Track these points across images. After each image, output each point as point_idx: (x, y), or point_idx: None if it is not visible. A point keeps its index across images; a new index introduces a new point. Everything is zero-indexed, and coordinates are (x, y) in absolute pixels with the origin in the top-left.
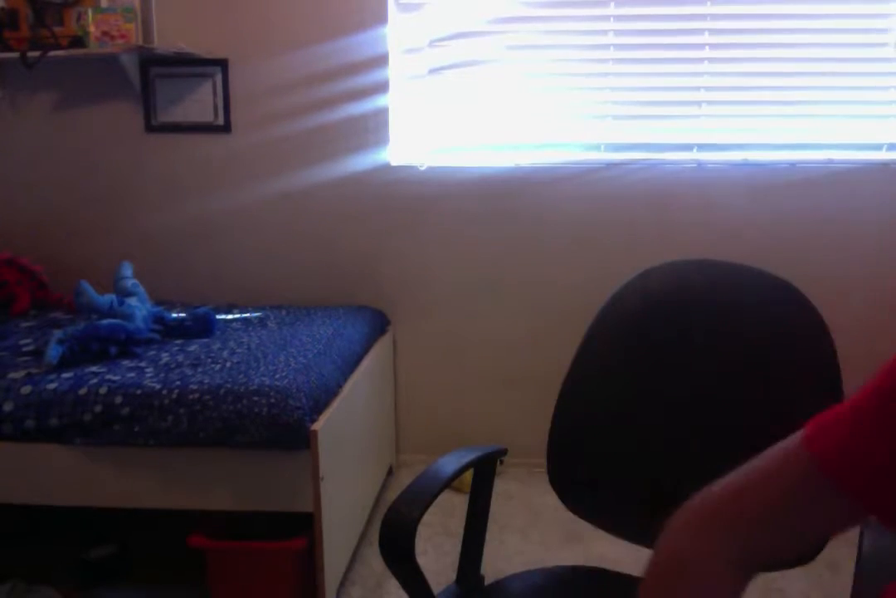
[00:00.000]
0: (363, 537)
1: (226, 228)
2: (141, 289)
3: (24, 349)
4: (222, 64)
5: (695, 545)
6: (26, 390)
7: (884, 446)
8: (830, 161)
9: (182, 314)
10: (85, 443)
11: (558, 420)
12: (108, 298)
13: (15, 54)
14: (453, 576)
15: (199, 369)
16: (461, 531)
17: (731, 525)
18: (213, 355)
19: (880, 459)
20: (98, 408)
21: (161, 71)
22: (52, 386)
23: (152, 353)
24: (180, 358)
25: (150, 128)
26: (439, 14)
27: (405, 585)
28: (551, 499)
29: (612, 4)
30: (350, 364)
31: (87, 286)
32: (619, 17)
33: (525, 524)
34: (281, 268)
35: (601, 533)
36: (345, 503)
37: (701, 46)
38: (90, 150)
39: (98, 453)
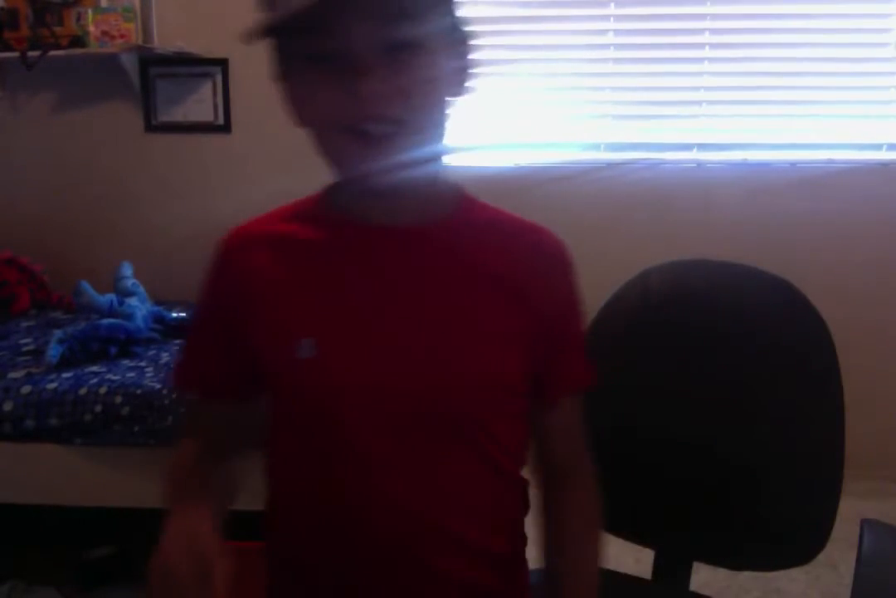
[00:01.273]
0: None
1: (226, 228)
2: (141, 289)
3: (24, 349)
4: (222, 64)
5: (180, 451)
6: (26, 389)
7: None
8: (830, 161)
9: (182, 314)
10: (85, 443)
11: None
12: (108, 298)
13: (15, 54)
14: None
15: None
16: None
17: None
18: None
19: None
20: (98, 408)
21: (161, 71)
22: (52, 386)
23: (152, 353)
24: None
25: (150, 128)
26: None
27: None
28: None
29: (612, 4)
30: None
31: (87, 286)
32: (619, 17)
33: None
34: None
35: None
36: None
37: (701, 46)
38: (90, 150)
39: (98, 453)
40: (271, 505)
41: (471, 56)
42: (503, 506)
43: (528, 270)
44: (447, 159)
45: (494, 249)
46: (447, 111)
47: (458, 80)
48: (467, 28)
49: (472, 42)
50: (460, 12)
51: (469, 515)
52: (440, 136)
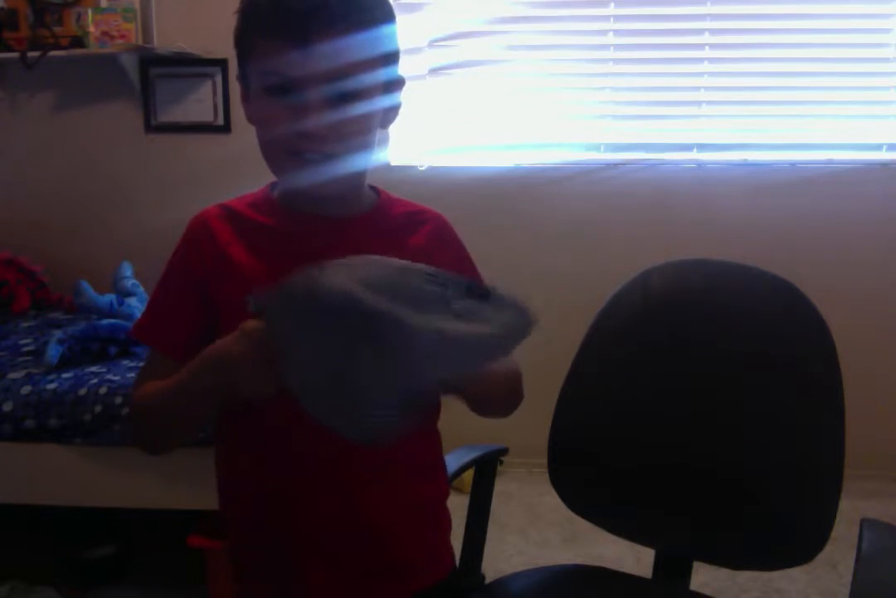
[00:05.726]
0: None
1: None
2: (141, 289)
3: (24, 349)
4: (222, 64)
5: (145, 387)
6: (26, 390)
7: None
8: (830, 161)
9: None
10: (85, 443)
11: (558, 420)
12: (108, 298)
13: (15, 54)
14: None
15: None
16: (461, 530)
17: None
18: None
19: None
20: (98, 408)
21: (161, 71)
22: (52, 386)
23: None
24: None
25: (150, 128)
26: (439, 14)
27: None
28: (551, 499)
29: (612, 4)
30: None
31: (87, 286)
32: (619, 17)
33: (525, 524)
34: None
35: (601, 533)
36: None
37: (701, 46)
38: (90, 150)
39: (98, 453)
40: (222, 456)
41: (401, 93)
42: (423, 448)
43: (430, 241)
44: (369, 171)
45: (403, 231)
46: (376, 140)
47: (389, 115)
48: (400, 74)
49: (404, 83)
50: (397, 62)
51: (398, 456)
52: (366, 159)
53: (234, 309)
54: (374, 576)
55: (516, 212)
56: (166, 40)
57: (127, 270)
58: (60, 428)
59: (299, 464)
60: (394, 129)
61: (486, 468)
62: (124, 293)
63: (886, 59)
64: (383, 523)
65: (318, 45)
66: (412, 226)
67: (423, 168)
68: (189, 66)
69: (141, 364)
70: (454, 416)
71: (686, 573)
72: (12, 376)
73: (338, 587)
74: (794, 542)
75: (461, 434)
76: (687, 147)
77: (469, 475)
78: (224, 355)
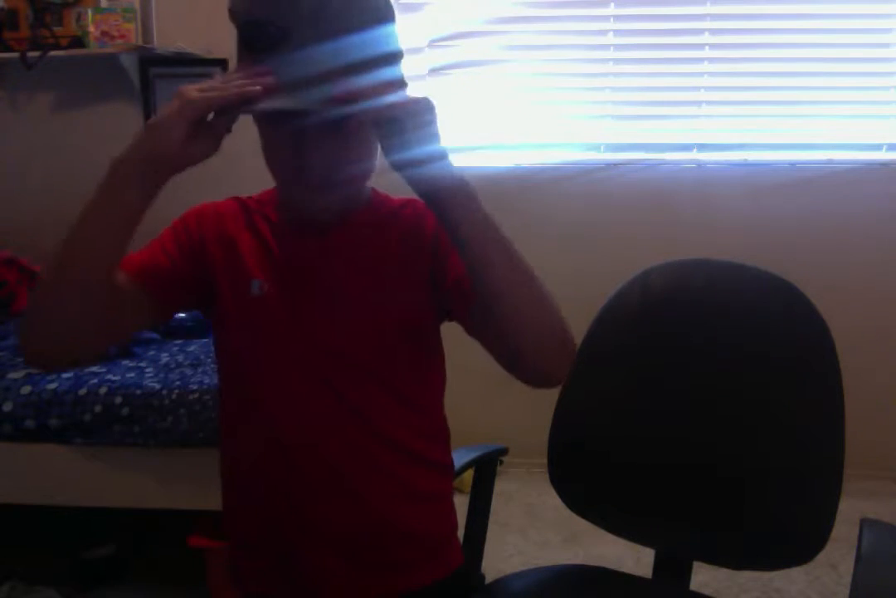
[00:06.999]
0: None
1: None
2: None
3: None
4: (222, 64)
5: None
6: (26, 389)
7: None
8: (830, 161)
9: (182, 314)
10: (85, 443)
11: (558, 420)
12: None
13: (15, 54)
14: None
15: (199, 369)
16: (461, 531)
17: None
18: (213, 355)
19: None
20: (98, 408)
21: (161, 71)
22: (52, 386)
23: (152, 353)
24: (180, 358)
25: None
26: (439, 14)
27: None
28: (551, 499)
29: (612, 4)
30: None
31: None
32: (619, 17)
33: (525, 524)
34: None
35: (601, 533)
36: None
37: (701, 46)
38: (90, 150)
39: (98, 453)
40: (222, 436)
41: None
42: (416, 436)
43: (413, 231)
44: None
45: (387, 224)
46: (375, 157)
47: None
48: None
49: (402, 85)
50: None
51: (386, 433)
52: (366, 176)
53: (231, 292)
54: (378, 570)
55: (516, 212)
56: (166, 40)
57: None
58: (60, 428)
59: (298, 460)
60: None
61: (486, 468)
62: None
63: (886, 59)
64: (385, 517)
65: (286, 53)
66: (393, 217)
67: None
68: (189, 66)
69: (141, 364)
70: (454, 416)
71: (686, 574)
72: (12, 376)
73: (340, 581)
74: (794, 542)
75: (461, 434)
76: (687, 147)
77: (469, 475)
78: (153, 121)
